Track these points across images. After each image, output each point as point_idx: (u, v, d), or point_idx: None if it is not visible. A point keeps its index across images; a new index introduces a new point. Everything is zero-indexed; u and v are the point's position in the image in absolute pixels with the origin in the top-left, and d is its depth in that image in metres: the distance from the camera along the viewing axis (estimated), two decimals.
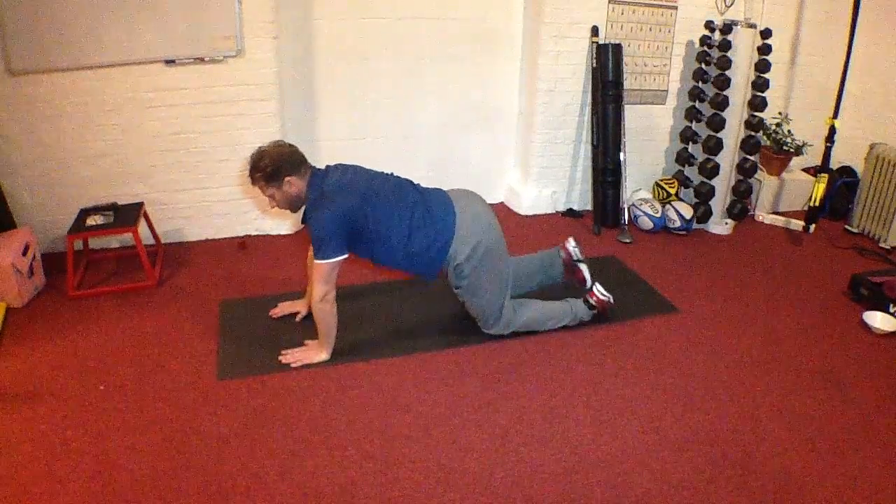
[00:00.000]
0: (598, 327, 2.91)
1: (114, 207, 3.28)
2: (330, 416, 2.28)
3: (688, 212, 4.05)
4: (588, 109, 4.14)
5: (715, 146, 3.97)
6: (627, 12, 4.02)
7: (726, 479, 2.06)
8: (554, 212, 4.36)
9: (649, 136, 4.41)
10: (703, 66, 4.11)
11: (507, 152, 4.45)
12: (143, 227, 3.31)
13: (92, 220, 3.15)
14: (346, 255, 2.44)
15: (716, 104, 3.94)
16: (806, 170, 4.62)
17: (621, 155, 4.09)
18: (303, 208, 2.52)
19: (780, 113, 4.46)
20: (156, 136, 3.45)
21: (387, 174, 2.63)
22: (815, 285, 3.45)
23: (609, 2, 3.95)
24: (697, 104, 4.18)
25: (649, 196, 4.34)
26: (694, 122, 4.23)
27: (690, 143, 4.26)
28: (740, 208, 4.08)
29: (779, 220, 4.31)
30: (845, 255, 3.89)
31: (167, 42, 3.26)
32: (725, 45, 3.87)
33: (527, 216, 4.28)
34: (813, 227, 4.11)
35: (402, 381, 2.50)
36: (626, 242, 3.91)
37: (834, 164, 4.41)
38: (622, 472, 2.08)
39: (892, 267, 3.64)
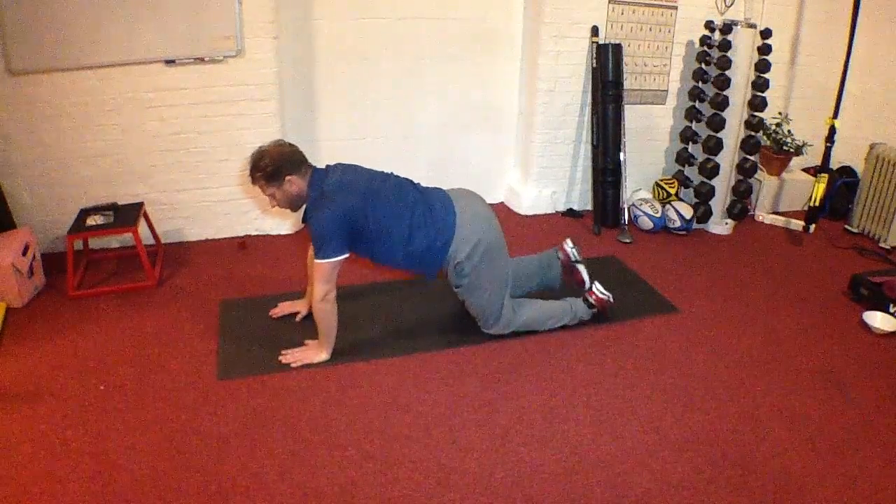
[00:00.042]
0: (598, 327, 2.91)
1: (114, 207, 3.28)
2: (330, 416, 2.28)
3: (688, 212, 4.05)
4: (588, 109, 4.15)
5: (715, 146, 3.97)
6: (627, 12, 4.02)
7: (726, 479, 2.06)
8: (554, 212, 4.36)
9: (649, 136, 4.41)
10: (703, 66, 4.11)
11: (507, 152, 4.45)
12: (143, 227, 3.31)
13: (92, 220, 3.15)
14: (346, 255, 2.44)
15: (716, 104, 3.94)
16: (806, 170, 4.62)
17: (621, 155, 4.09)
18: (303, 208, 2.52)
19: (780, 113, 4.46)
20: (156, 136, 3.45)
21: (387, 174, 2.64)
22: (815, 285, 3.45)
23: (609, 2, 3.95)
24: (697, 104, 4.18)
25: (649, 196, 4.34)
26: (694, 122, 4.23)
27: (690, 143, 4.26)
28: (740, 208, 4.08)
29: (779, 220, 4.31)
30: (845, 255, 3.89)
31: (167, 42, 3.26)
32: (725, 45, 3.87)
33: (527, 216, 4.28)
34: (813, 227, 4.11)
35: (402, 381, 2.50)
36: (626, 242, 3.91)
37: (834, 164, 4.41)
38: (622, 472, 2.08)
39: (892, 267, 3.64)
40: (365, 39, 3.81)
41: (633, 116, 4.24)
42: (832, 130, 3.95)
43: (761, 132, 4.12)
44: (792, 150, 4.32)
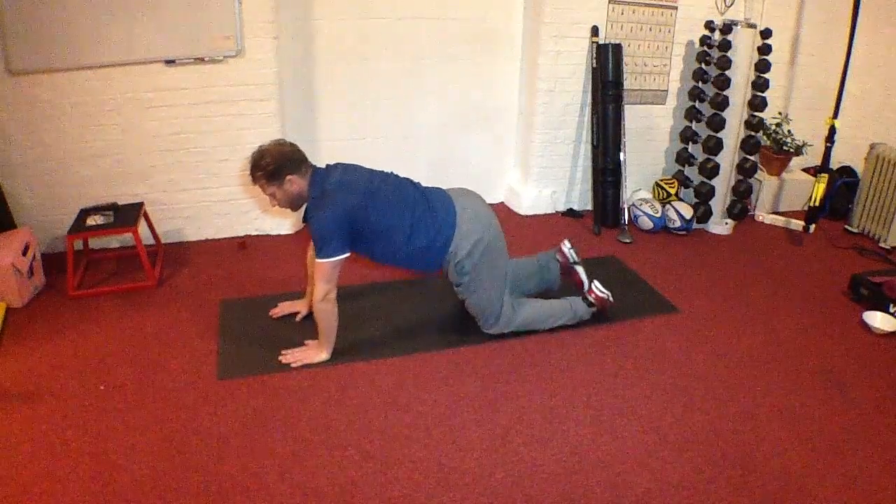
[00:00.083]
0: (598, 327, 2.91)
1: (114, 207, 3.28)
2: (330, 416, 2.28)
3: (688, 212, 4.05)
4: (588, 109, 4.15)
5: (715, 146, 3.97)
6: (627, 12, 4.02)
7: (726, 479, 2.06)
8: (554, 212, 4.36)
9: (649, 136, 4.41)
10: (703, 66, 4.11)
11: (507, 152, 4.45)
12: (143, 227, 3.31)
13: (92, 220, 3.15)
14: (348, 254, 2.44)
15: (716, 104, 3.94)
16: (806, 170, 4.62)
17: (621, 155, 4.09)
18: (303, 207, 2.52)
19: (780, 113, 4.47)
20: (156, 136, 3.45)
21: (387, 173, 2.64)
22: (815, 285, 3.45)
23: (609, 2, 3.95)
24: (697, 104, 4.18)
25: (649, 196, 4.34)
26: (694, 122, 4.23)
27: (690, 143, 4.26)
28: (740, 208, 4.08)
29: (779, 220, 4.31)
30: (845, 255, 3.89)
31: (167, 42, 3.26)
32: (725, 45, 3.87)
33: (527, 216, 4.28)
34: (813, 227, 4.11)
35: (402, 381, 2.50)
36: (626, 242, 3.91)
37: (834, 164, 4.41)
38: (622, 472, 2.08)
39: (892, 267, 3.64)
40: (365, 39, 3.81)
41: (633, 116, 4.24)
42: (832, 130, 3.95)
43: (761, 132, 4.12)
44: (792, 150, 4.32)
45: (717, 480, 2.05)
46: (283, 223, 3.86)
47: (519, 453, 2.14)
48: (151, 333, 2.78)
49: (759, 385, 2.56)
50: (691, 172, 4.26)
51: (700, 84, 4.13)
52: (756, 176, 4.31)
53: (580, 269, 3.01)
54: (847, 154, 4.53)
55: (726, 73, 3.88)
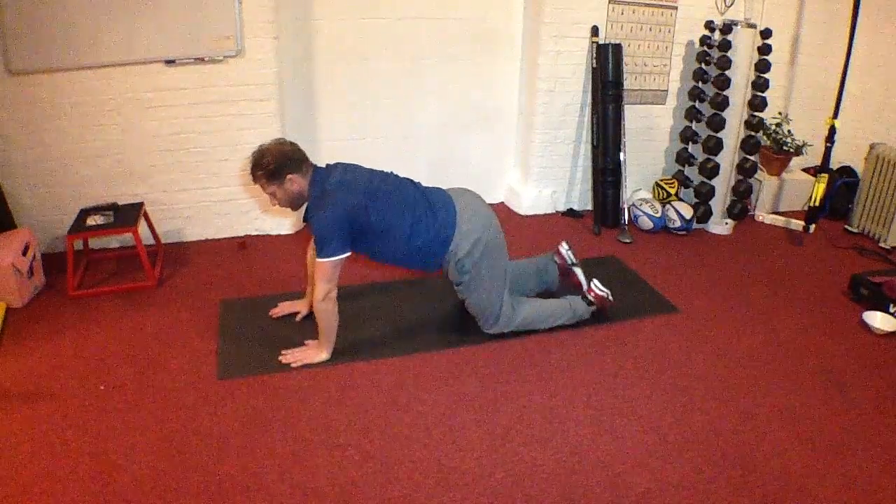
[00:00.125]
0: (598, 327, 2.91)
1: (114, 207, 3.28)
2: (330, 416, 2.28)
3: (688, 212, 4.05)
4: (588, 109, 4.15)
5: (715, 146, 3.97)
6: (627, 12, 4.02)
7: (726, 479, 2.06)
8: (554, 212, 4.36)
9: (649, 136, 4.41)
10: (703, 66, 4.11)
11: (507, 152, 4.45)
12: (143, 227, 3.31)
13: (92, 220, 3.15)
14: (348, 254, 2.44)
15: (716, 104, 3.94)
16: (806, 170, 4.62)
17: (621, 155, 4.09)
18: (304, 207, 2.52)
19: (780, 113, 4.46)
20: (156, 136, 3.45)
21: (387, 173, 2.64)
22: (815, 285, 3.45)
23: (609, 2, 3.95)
24: (697, 104, 4.18)
25: (649, 196, 4.34)
26: (694, 122, 4.23)
27: (690, 143, 4.26)
28: (740, 208, 4.08)
29: (779, 220, 4.31)
30: (845, 255, 3.89)
31: (167, 42, 3.26)
32: (725, 45, 3.87)
33: (527, 216, 4.28)
34: (813, 227, 4.11)
35: (402, 381, 2.50)
36: (626, 242, 3.91)
37: (834, 164, 4.41)
38: (622, 472, 2.08)
39: (892, 267, 3.64)
40: (365, 39, 3.81)
41: (633, 116, 4.24)
42: (832, 130, 3.95)
43: (761, 132, 4.12)
44: (792, 150, 4.32)
45: (717, 480, 2.05)
46: (283, 223, 3.86)
47: (519, 453, 2.14)
48: (151, 333, 2.78)
49: (759, 385, 2.56)
50: (691, 172, 4.26)
51: (700, 84, 4.13)
52: (756, 176, 4.31)
53: (578, 271, 3.01)
54: (847, 154, 4.53)
55: (726, 73, 3.88)
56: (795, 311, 3.17)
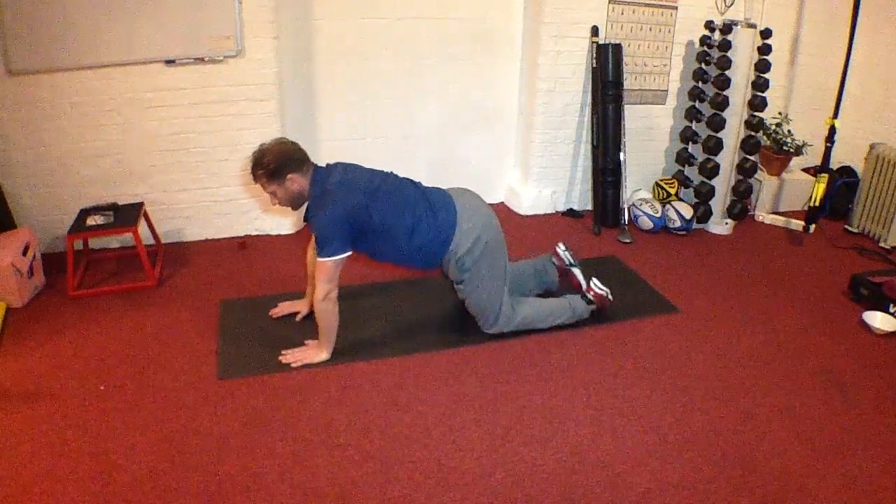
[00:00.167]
0: (598, 327, 2.91)
1: (114, 207, 3.28)
2: (330, 416, 2.28)
3: (688, 212, 4.05)
4: (588, 109, 4.14)
5: (715, 146, 3.96)
6: (627, 12, 4.02)
7: (726, 479, 2.06)
8: (554, 212, 4.36)
9: (649, 136, 4.41)
10: (703, 66, 4.11)
11: (507, 152, 4.45)
12: (143, 227, 3.30)
13: (92, 220, 3.15)
14: (349, 253, 2.44)
15: (716, 104, 3.94)
16: (806, 170, 4.62)
17: (621, 155, 4.09)
18: (304, 206, 2.53)
19: (780, 113, 4.46)
20: (156, 136, 3.45)
21: (386, 172, 2.65)
22: (815, 285, 3.45)
23: (609, 2, 3.95)
24: (697, 104, 4.18)
25: (649, 196, 4.34)
26: (694, 122, 4.23)
27: (690, 143, 4.26)
28: (740, 208, 4.08)
29: (779, 220, 4.31)
30: (845, 255, 3.89)
31: (167, 42, 3.26)
32: (725, 45, 3.87)
33: (527, 216, 4.28)
34: (813, 227, 4.11)
35: (402, 381, 2.50)
36: (626, 242, 3.91)
37: (834, 164, 4.41)
38: (622, 472, 2.08)
39: (892, 267, 3.64)
40: (365, 39, 3.81)
41: (633, 116, 4.24)
42: (832, 130, 3.95)
43: (761, 132, 4.12)
44: (792, 150, 4.32)
45: (717, 480, 2.05)
46: (283, 223, 3.86)
47: (519, 453, 2.14)
48: (151, 333, 2.78)
49: (759, 385, 2.56)
50: (691, 172, 4.26)
51: (700, 84, 4.13)
52: (756, 176, 4.31)
53: (577, 271, 3.02)
54: (847, 154, 4.53)
55: (726, 73, 3.88)
56: (795, 311, 3.17)
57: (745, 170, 4.06)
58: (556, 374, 2.57)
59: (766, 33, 3.88)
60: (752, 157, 4.08)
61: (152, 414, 2.27)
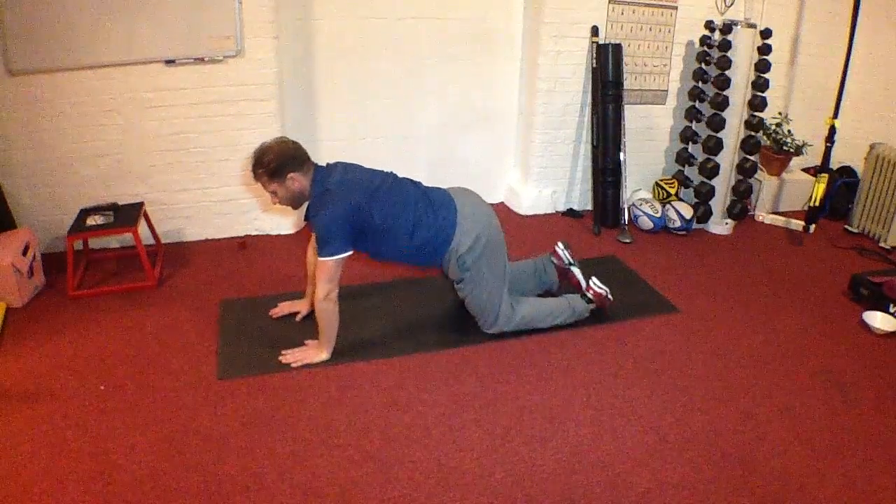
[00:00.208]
0: (598, 327, 2.91)
1: (114, 207, 3.28)
2: (330, 416, 2.28)
3: (688, 212, 4.05)
4: (588, 109, 4.15)
5: (715, 146, 3.96)
6: (627, 12, 4.02)
7: (726, 479, 2.06)
8: (554, 212, 4.36)
9: (649, 136, 4.41)
10: (703, 66, 4.11)
11: (507, 152, 4.45)
12: (143, 227, 3.30)
13: (92, 220, 3.15)
14: (350, 252, 2.45)
15: (716, 104, 3.94)
16: (806, 170, 4.62)
17: (621, 155, 4.09)
18: (305, 205, 2.53)
19: (780, 113, 4.46)
20: (156, 136, 3.45)
21: (386, 172, 2.65)
22: (815, 285, 3.45)
23: (609, 2, 3.95)
24: (697, 104, 4.18)
25: (649, 196, 4.34)
26: (694, 122, 4.23)
27: (690, 143, 4.26)
28: (740, 208, 4.08)
29: (779, 220, 4.31)
30: (845, 255, 3.89)
31: (167, 42, 3.26)
32: (725, 45, 3.87)
33: (527, 216, 4.28)
34: (813, 227, 4.11)
35: (402, 381, 2.50)
36: (626, 242, 3.91)
37: (834, 164, 4.41)
38: (622, 472, 2.08)
39: (892, 267, 3.65)
40: (365, 39, 3.81)
41: (633, 116, 4.24)
42: (832, 130, 3.95)
43: (761, 132, 4.12)
44: (792, 150, 4.32)
45: (717, 480, 2.05)
46: (283, 223, 3.86)
47: (519, 453, 2.14)
48: (151, 333, 2.78)
49: (759, 385, 2.56)
50: (691, 172, 4.26)
51: (700, 84, 4.13)
52: (756, 176, 4.31)
53: (576, 271, 3.02)
54: (847, 154, 4.53)
55: (726, 73, 3.88)
56: (795, 311, 3.17)
57: (745, 170, 4.06)
58: (556, 374, 2.57)
59: (766, 33, 3.88)
60: (752, 157, 4.08)
61: (152, 414, 2.27)
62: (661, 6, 4.08)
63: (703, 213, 4.09)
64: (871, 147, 4.14)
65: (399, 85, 3.99)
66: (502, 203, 4.50)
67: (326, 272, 2.40)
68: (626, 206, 4.12)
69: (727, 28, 3.84)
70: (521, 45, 4.15)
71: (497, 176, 4.47)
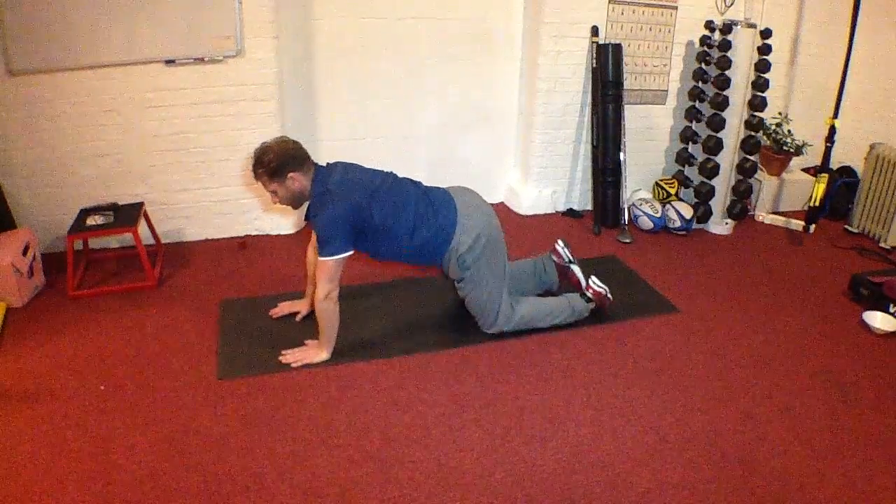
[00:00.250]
0: (598, 327, 2.91)
1: (114, 207, 3.28)
2: (330, 416, 2.28)
3: (688, 212, 4.05)
4: (588, 109, 4.14)
5: (715, 146, 3.96)
6: (627, 12, 4.02)
7: (726, 479, 2.06)
8: (554, 212, 4.36)
9: (649, 136, 4.41)
10: (703, 66, 4.11)
11: (507, 152, 4.45)
12: (143, 227, 3.30)
13: (92, 220, 3.15)
14: (350, 252, 2.45)
15: (716, 104, 3.94)
16: (806, 170, 4.62)
17: (621, 155, 4.09)
18: (305, 205, 2.53)
19: (780, 113, 4.46)
20: (156, 136, 3.45)
21: (386, 172, 2.65)
22: (816, 285, 3.45)
23: (609, 2, 3.95)
24: (697, 104, 4.18)
25: (649, 196, 4.34)
26: (694, 122, 4.23)
27: (690, 143, 4.26)
28: (740, 208, 4.08)
29: (779, 220, 4.31)
30: (845, 255, 3.89)
31: (167, 42, 3.26)
32: (725, 45, 3.87)
33: (527, 216, 4.28)
34: (813, 227, 4.11)
35: (402, 381, 2.50)
36: (626, 242, 3.91)
37: (834, 164, 4.41)
38: (622, 472, 2.08)
39: (892, 267, 3.65)
40: (365, 39, 3.81)
41: (633, 116, 4.24)
42: (832, 130, 3.95)
43: (761, 132, 4.12)
44: (792, 150, 4.32)
45: (717, 480, 2.05)
46: (283, 223, 3.86)
47: (519, 453, 2.14)
48: (151, 333, 2.78)
49: (759, 385, 2.56)
50: (691, 172, 4.26)
51: (700, 84, 4.13)
52: (756, 176, 4.31)
53: (576, 269, 3.02)
54: (847, 154, 4.53)
55: (726, 73, 3.88)
56: (795, 311, 3.17)
57: (745, 170, 4.06)
58: (556, 374, 2.57)
59: (766, 33, 3.88)
60: (752, 157, 4.08)
61: (152, 414, 2.27)
62: (661, 6, 4.08)
63: (703, 213, 4.09)
64: (871, 147, 4.14)
65: (399, 85, 3.99)
66: (502, 203, 4.50)
67: (327, 272, 2.40)
68: (626, 206, 4.12)
69: (727, 28, 3.84)
70: (521, 45, 4.15)
71: (497, 176, 4.47)
